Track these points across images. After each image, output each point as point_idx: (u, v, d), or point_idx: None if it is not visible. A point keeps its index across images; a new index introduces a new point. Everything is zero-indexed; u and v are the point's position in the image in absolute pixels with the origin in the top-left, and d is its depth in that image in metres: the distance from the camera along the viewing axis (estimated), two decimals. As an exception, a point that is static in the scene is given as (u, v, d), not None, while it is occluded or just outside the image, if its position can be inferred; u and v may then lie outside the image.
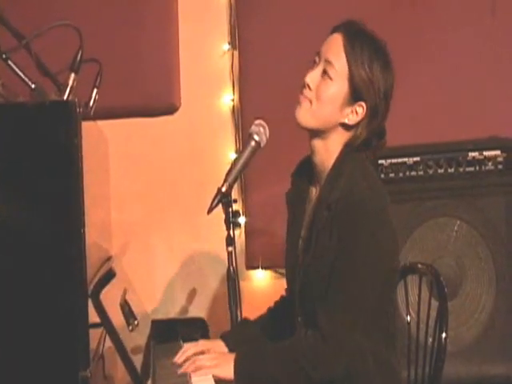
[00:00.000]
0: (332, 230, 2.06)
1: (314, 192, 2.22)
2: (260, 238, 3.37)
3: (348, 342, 2.03)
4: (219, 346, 2.25)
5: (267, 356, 2.06)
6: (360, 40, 2.11)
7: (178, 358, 2.16)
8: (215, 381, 2.04)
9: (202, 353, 2.18)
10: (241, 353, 2.10)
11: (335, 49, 2.12)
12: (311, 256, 2.12)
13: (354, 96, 2.10)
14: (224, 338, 2.28)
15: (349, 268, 2.03)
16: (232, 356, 2.08)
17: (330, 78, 2.10)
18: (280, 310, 2.35)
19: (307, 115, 2.13)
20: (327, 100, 2.11)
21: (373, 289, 2.06)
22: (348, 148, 2.13)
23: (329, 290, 2.04)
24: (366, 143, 2.16)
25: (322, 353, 2.01)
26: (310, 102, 2.12)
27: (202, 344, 2.23)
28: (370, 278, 2.05)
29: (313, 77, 2.13)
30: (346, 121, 2.12)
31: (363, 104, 2.10)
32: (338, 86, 2.10)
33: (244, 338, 2.28)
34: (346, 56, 2.10)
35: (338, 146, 2.14)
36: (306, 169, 2.23)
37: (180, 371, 2.09)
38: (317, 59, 2.16)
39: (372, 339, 2.09)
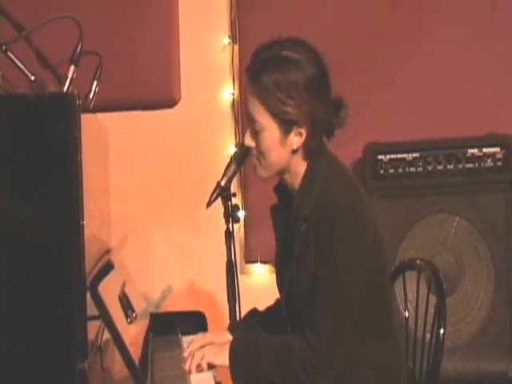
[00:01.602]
0: (310, 242, 2.05)
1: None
2: (259, 232, 3.37)
3: (337, 351, 2.03)
4: (227, 337, 2.23)
5: (262, 351, 2.06)
6: (261, 73, 2.05)
7: (185, 352, 2.17)
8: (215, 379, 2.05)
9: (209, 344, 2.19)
10: (235, 341, 2.12)
11: (249, 101, 2.08)
12: (293, 272, 2.11)
13: (288, 126, 2.07)
14: (231, 330, 2.27)
15: (328, 276, 2.02)
16: (227, 344, 2.10)
17: (261, 130, 2.07)
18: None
19: (263, 172, 2.13)
20: (268, 151, 2.09)
21: (355, 292, 2.04)
22: (310, 160, 2.11)
23: (312, 301, 2.03)
24: (326, 132, 2.14)
25: (314, 366, 2.01)
26: (258, 159, 2.12)
27: (209, 337, 2.23)
28: (350, 282, 2.03)
29: (248, 138, 2.11)
30: (295, 147, 2.09)
31: (301, 125, 2.07)
32: (270, 132, 2.07)
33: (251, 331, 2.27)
34: (259, 101, 2.05)
35: (302, 165, 2.13)
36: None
37: (185, 368, 2.10)
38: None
39: (361, 338, 2.08)
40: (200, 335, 2.24)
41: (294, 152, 2.10)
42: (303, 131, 2.07)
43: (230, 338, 2.24)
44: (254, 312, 2.34)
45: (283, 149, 2.09)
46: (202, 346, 2.17)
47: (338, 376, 2.05)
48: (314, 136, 2.09)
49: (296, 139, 2.08)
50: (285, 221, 2.17)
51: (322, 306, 2.02)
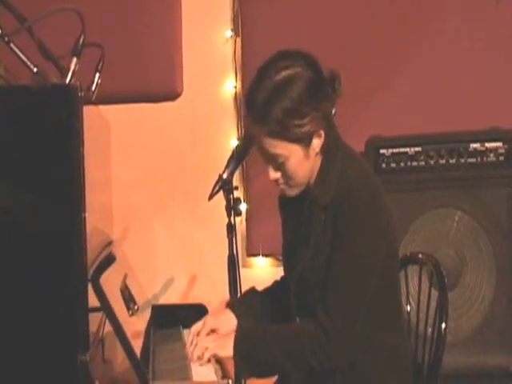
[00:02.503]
0: (328, 228, 2.07)
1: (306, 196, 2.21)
2: (261, 226, 3.37)
3: (349, 334, 2.03)
4: (228, 317, 2.24)
5: (269, 340, 2.06)
6: (267, 112, 2.01)
7: (188, 345, 2.16)
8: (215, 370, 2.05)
9: (212, 331, 2.19)
10: (241, 330, 2.11)
11: (264, 142, 2.05)
12: (307, 260, 2.12)
13: (309, 140, 2.06)
14: (233, 307, 2.27)
15: (343, 260, 2.03)
16: (232, 334, 2.09)
17: (285, 160, 2.06)
18: (282, 291, 2.35)
19: (295, 191, 2.13)
20: (296, 172, 2.08)
21: (369, 278, 2.06)
22: (326, 152, 2.11)
23: (326, 284, 2.04)
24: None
25: (324, 348, 2.01)
26: (288, 184, 2.11)
27: (209, 323, 2.22)
28: (365, 267, 2.04)
29: (273, 173, 2.09)
30: (317, 150, 2.09)
31: (318, 130, 2.07)
32: (294, 157, 2.05)
33: (253, 310, 2.28)
34: (275, 138, 2.02)
35: (319, 161, 2.13)
36: None
37: (190, 360, 2.10)
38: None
39: (373, 324, 2.10)
40: (201, 322, 2.23)
41: (317, 155, 2.10)
42: (322, 132, 2.07)
43: (232, 317, 2.23)
44: (253, 290, 2.34)
45: (308, 161, 2.09)
46: (207, 334, 2.17)
47: (350, 361, 2.05)
48: (330, 131, 2.09)
49: (316, 143, 2.08)
50: (295, 211, 2.18)
51: (336, 288, 2.03)
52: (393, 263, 2.16)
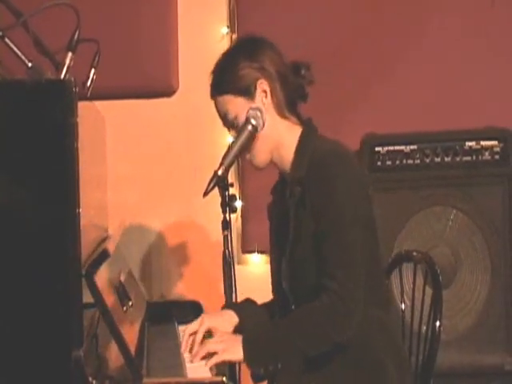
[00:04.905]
0: (306, 200, 2.09)
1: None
2: (256, 223, 3.37)
3: (359, 291, 2.06)
4: (227, 317, 2.23)
5: (281, 329, 2.07)
6: (214, 78, 2.21)
7: (185, 345, 2.16)
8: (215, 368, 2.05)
9: (208, 332, 2.18)
10: (248, 332, 2.11)
11: (217, 106, 2.21)
12: (292, 241, 2.13)
13: (249, 89, 2.17)
14: (234, 307, 2.25)
15: (330, 227, 2.06)
16: (239, 337, 2.08)
17: (235, 117, 2.18)
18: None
19: (256, 158, 2.21)
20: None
21: (357, 238, 2.08)
22: (304, 137, 2.18)
23: (322, 253, 2.06)
24: (298, 94, 2.24)
25: (343, 311, 2.03)
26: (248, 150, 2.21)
27: (206, 322, 2.20)
28: (351, 226, 2.07)
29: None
30: (266, 102, 2.17)
31: (260, 82, 2.17)
32: (240, 110, 2.17)
33: (257, 315, 2.28)
34: (220, 95, 2.19)
35: (283, 132, 2.20)
36: (283, 184, 2.26)
37: (191, 359, 2.08)
38: None
39: (367, 300, 2.10)
40: (197, 321, 2.22)
41: (272, 116, 2.16)
42: (265, 86, 2.17)
43: (231, 316, 2.23)
44: (250, 299, 2.34)
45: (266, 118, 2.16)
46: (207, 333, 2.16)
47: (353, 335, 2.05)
48: (276, 89, 2.17)
49: (264, 100, 2.17)
50: (281, 211, 2.19)
51: (332, 253, 2.05)
52: (373, 227, 2.17)
